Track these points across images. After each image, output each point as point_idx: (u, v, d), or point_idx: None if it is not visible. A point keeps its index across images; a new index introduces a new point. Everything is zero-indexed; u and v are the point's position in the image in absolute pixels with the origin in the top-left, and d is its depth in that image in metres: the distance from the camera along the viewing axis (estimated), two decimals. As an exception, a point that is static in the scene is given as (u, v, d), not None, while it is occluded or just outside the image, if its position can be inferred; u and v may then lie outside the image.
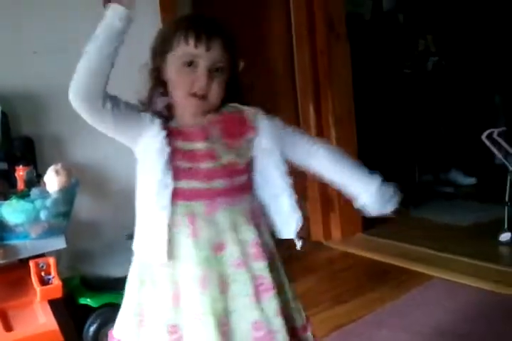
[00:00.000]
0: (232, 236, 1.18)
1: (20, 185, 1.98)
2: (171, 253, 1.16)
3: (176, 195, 1.15)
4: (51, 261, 1.79)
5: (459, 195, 3.92)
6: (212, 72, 1.15)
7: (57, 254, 1.89)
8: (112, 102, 1.09)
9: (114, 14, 1.06)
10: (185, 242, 1.16)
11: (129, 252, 2.30)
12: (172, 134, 1.16)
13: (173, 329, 1.19)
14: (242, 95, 1.25)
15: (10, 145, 2.12)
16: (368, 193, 1.27)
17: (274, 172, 1.25)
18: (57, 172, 1.92)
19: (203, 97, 1.15)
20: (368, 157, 3.47)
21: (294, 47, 3.15)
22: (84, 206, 2.21)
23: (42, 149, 2.24)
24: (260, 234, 1.22)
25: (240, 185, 1.21)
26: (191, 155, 1.17)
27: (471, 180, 4.10)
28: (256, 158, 1.23)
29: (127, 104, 1.14)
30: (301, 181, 3.24)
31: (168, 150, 1.14)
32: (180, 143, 1.17)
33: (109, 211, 2.34)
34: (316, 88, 3.11)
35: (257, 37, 3.30)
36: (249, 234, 1.20)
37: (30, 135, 2.23)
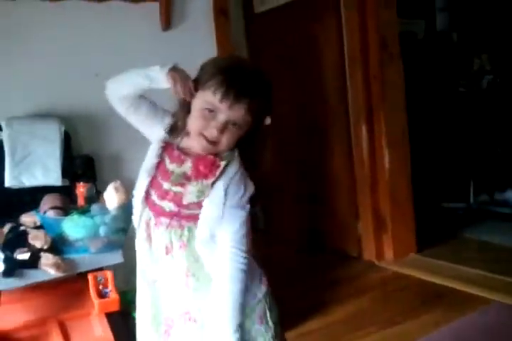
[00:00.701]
0: (165, 257, 1.28)
1: (81, 201, 2.05)
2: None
3: (147, 200, 1.29)
4: (109, 274, 1.84)
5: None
6: (228, 124, 1.19)
7: (114, 268, 1.94)
8: (134, 107, 1.30)
9: (161, 77, 1.23)
10: (143, 244, 1.33)
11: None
12: (166, 147, 1.29)
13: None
14: (255, 144, 1.29)
15: (71, 163, 2.22)
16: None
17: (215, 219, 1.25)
18: (116, 189, 1.98)
19: (213, 143, 1.21)
20: (423, 177, 3.45)
21: (346, 69, 3.15)
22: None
23: (101, 167, 2.34)
24: (196, 265, 1.27)
25: (188, 214, 1.25)
26: (165, 172, 1.27)
27: (528, 201, 3.96)
28: (208, 201, 1.24)
29: (153, 113, 1.32)
30: (353, 200, 3.23)
31: (154, 161, 1.28)
32: (166, 158, 1.28)
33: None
34: (368, 109, 3.09)
35: (310, 61, 3.33)
36: (183, 261, 1.27)
37: (91, 154, 2.33)
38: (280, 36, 3.44)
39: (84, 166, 2.25)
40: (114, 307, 1.76)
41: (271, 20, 3.49)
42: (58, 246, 1.86)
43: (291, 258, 3.33)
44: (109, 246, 1.90)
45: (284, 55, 3.44)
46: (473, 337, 2.24)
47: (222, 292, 1.23)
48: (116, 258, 1.88)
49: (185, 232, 1.25)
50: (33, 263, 1.77)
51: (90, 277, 1.82)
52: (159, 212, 1.27)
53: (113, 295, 1.78)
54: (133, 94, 1.29)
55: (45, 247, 1.81)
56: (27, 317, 1.80)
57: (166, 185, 1.26)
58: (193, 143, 1.24)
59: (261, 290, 1.35)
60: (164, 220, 1.26)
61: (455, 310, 2.49)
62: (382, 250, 3.18)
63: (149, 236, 1.30)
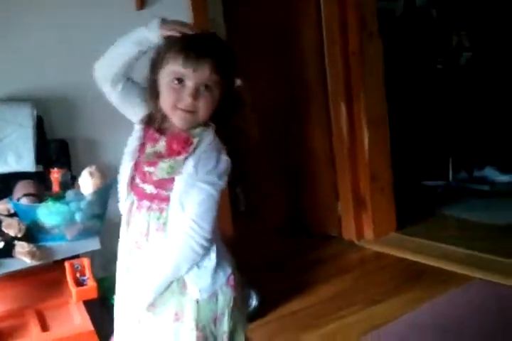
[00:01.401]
0: (144, 241, 1.26)
1: (56, 188, 2.01)
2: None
3: (131, 184, 1.28)
4: (86, 262, 1.81)
5: (495, 193, 3.83)
6: (200, 90, 1.18)
7: (91, 255, 1.91)
8: (123, 86, 1.28)
9: (155, 31, 1.21)
10: (123, 229, 1.32)
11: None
12: (146, 130, 1.29)
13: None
14: (233, 111, 1.27)
15: (45, 148, 2.16)
16: None
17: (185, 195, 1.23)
18: (91, 174, 1.94)
19: (191, 112, 1.20)
20: (402, 155, 3.45)
21: (325, 47, 3.11)
22: (117, 207, 2.23)
23: (76, 152, 2.29)
24: None
25: (166, 195, 1.23)
26: (144, 153, 1.28)
27: (506, 178, 4.00)
28: (179, 178, 1.23)
29: (139, 94, 1.28)
30: (332, 180, 3.22)
31: (137, 143, 1.28)
32: (147, 140, 1.28)
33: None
34: (347, 88, 3.06)
35: (289, 39, 3.28)
36: (160, 245, 1.25)
37: (65, 138, 2.27)
38: (258, 15, 3.37)
39: (59, 151, 2.19)
40: (92, 294, 1.74)
41: (249, -1, 3.42)
42: (33, 233, 1.83)
43: (272, 239, 3.33)
44: (86, 233, 1.88)
45: (262, 34, 3.38)
46: (456, 313, 2.27)
47: (162, 263, 1.23)
48: (93, 244, 1.85)
49: (164, 214, 1.24)
50: (8, 252, 1.74)
51: (67, 265, 1.79)
52: (141, 195, 1.27)
53: (91, 282, 1.76)
54: (124, 72, 1.27)
55: (20, 235, 1.78)
56: (3, 308, 1.77)
57: (145, 167, 1.26)
58: (173, 119, 1.23)
59: (223, 291, 1.29)
60: (145, 203, 1.25)
61: (436, 288, 2.52)
62: (362, 229, 3.19)
63: (128, 221, 1.30)
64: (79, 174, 2.00)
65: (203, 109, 1.20)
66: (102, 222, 1.96)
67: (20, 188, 1.91)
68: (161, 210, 1.24)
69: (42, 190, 1.95)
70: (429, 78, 3.81)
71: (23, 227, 1.80)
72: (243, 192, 3.74)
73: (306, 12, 3.13)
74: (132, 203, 1.28)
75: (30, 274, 1.84)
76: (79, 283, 1.76)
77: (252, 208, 3.72)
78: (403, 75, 3.64)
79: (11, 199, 1.89)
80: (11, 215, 1.88)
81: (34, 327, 1.66)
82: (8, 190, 1.94)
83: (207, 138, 1.24)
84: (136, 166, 1.27)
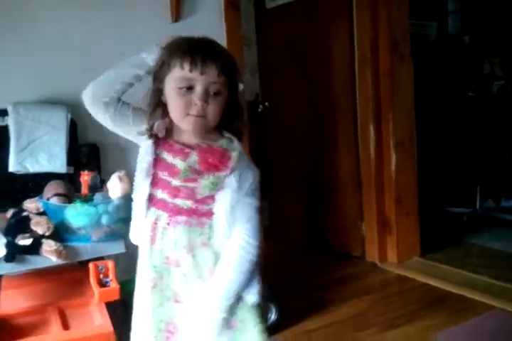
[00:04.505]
0: (187, 257, 1.23)
1: (84, 190, 2.03)
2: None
3: (151, 200, 1.25)
4: (110, 264, 1.82)
5: (523, 224, 3.77)
6: (208, 94, 1.17)
7: (115, 258, 1.92)
8: (115, 108, 1.25)
9: (154, 54, 1.24)
10: (144, 247, 1.28)
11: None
12: (158, 143, 1.24)
13: (170, 326, 1.28)
14: (240, 116, 1.27)
15: (77, 151, 2.20)
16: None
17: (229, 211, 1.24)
18: (120, 179, 1.96)
19: (202, 117, 1.18)
20: (429, 180, 3.43)
21: (356, 68, 3.13)
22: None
23: (106, 156, 2.32)
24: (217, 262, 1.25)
25: (205, 210, 1.23)
26: (170, 168, 1.23)
27: (535, 208, 3.94)
28: (223, 193, 1.23)
29: (138, 113, 1.25)
30: (358, 200, 3.20)
31: (150, 158, 1.23)
32: (165, 154, 1.23)
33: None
34: (377, 110, 3.07)
35: (320, 59, 3.32)
36: (207, 260, 1.24)
37: (96, 142, 2.31)
38: (290, 33, 3.42)
39: (90, 155, 2.23)
40: (115, 296, 1.73)
41: (281, 17, 3.47)
42: (60, 233, 1.85)
43: (294, 256, 3.32)
44: (111, 236, 1.89)
45: (293, 52, 3.42)
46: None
47: (224, 279, 1.22)
48: (118, 247, 1.86)
49: (206, 230, 1.23)
50: (35, 249, 1.75)
51: (91, 266, 1.80)
52: (175, 211, 1.23)
53: (113, 284, 1.76)
54: (118, 95, 1.25)
55: (47, 234, 1.80)
56: (27, 303, 1.79)
57: (175, 182, 1.23)
58: (183, 126, 1.21)
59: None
60: (182, 218, 1.23)
61: (456, 316, 2.46)
62: (386, 252, 3.16)
63: (153, 238, 1.26)
64: (107, 178, 2.03)
65: (213, 112, 1.18)
66: (128, 226, 1.97)
67: (51, 188, 1.93)
68: (201, 225, 1.23)
69: (72, 191, 1.97)
70: (459, 104, 3.80)
71: (51, 226, 1.82)
72: (268, 207, 3.73)
73: (338, 32, 3.18)
74: (156, 219, 1.25)
75: (55, 273, 1.85)
76: (102, 284, 1.76)
77: (275, 223, 3.71)
78: (433, 100, 3.64)
79: (41, 198, 1.92)
80: (40, 214, 1.90)
81: (55, 324, 1.67)
82: (38, 189, 1.97)
83: (238, 151, 1.24)
84: (157, 182, 1.24)
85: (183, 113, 1.18)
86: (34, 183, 2.05)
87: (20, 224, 1.84)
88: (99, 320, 1.71)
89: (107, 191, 1.98)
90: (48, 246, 1.76)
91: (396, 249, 3.11)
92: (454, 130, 3.75)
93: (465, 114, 3.79)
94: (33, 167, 2.08)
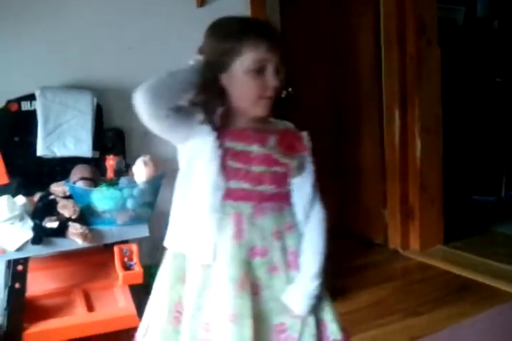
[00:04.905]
0: (276, 242, 1.21)
1: (110, 174, 2.06)
2: (215, 255, 1.18)
3: (225, 194, 1.18)
4: (134, 248, 1.85)
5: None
6: (278, 72, 1.17)
7: (140, 242, 1.95)
8: (173, 111, 1.11)
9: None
10: (227, 244, 1.18)
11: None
12: (222, 135, 1.18)
13: (208, 327, 1.20)
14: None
15: (102, 135, 2.22)
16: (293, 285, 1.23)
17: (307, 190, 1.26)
18: (145, 163, 1.98)
19: (271, 98, 1.17)
20: (454, 167, 3.39)
21: (382, 53, 3.08)
22: (167, 198, 2.26)
23: (131, 141, 2.33)
24: (298, 244, 1.24)
25: (285, 193, 1.23)
26: (243, 156, 1.18)
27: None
28: (303, 174, 1.25)
29: (186, 111, 1.15)
30: (382, 187, 3.18)
31: (220, 151, 1.16)
32: (230, 144, 1.18)
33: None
34: (403, 94, 3.03)
35: (345, 43, 3.27)
36: (292, 242, 1.23)
37: (122, 127, 2.32)
38: (315, 17, 3.37)
39: (115, 139, 2.25)
40: (138, 279, 1.76)
41: (306, 2, 3.42)
42: (86, 216, 1.88)
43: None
44: (136, 220, 1.91)
45: (318, 36, 3.38)
46: (497, 331, 2.20)
47: (314, 246, 1.24)
48: (142, 231, 1.89)
49: (286, 212, 1.23)
50: (61, 232, 1.79)
51: (116, 249, 1.83)
52: (260, 198, 1.20)
53: (137, 268, 1.79)
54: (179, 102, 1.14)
55: (74, 217, 1.83)
56: (53, 285, 1.83)
57: (255, 169, 1.18)
58: (254, 111, 1.18)
59: None
60: (267, 205, 1.20)
61: (479, 304, 2.45)
62: (408, 239, 3.14)
63: (239, 232, 1.18)
64: (133, 163, 2.05)
65: (278, 92, 1.17)
66: (152, 210, 1.99)
67: (77, 172, 1.96)
68: (281, 209, 1.22)
69: (97, 175, 2.00)
70: (487, 90, 3.72)
71: (78, 209, 1.85)
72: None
73: (364, 16, 3.12)
74: (241, 213, 1.18)
75: (81, 255, 1.89)
76: (126, 267, 1.80)
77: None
78: (461, 85, 3.57)
79: (67, 182, 1.95)
80: (66, 197, 1.93)
81: (80, 305, 1.71)
82: (65, 173, 2.00)
83: (304, 131, 1.26)
84: (231, 174, 1.17)
85: (257, 96, 1.16)
86: (61, 167, 2.07)
87: (47, 207, 1.88)
88: (123, 303, 1.74)
89: (132, 175, 2.00)
90: (74, 228, 1.79)
91: (419, 237, 3.09)
92: (480, 116, 3.68)
93: (492, 99, 3.71)
94: (60, 151, 2.10)
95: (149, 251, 2.04)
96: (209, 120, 1.17)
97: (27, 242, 1.73)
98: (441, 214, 3.14)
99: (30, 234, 1.75)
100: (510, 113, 3.72)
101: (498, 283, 2.64)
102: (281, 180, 1.21)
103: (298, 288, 1.21)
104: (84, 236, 1.77)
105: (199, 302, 1.20)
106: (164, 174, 2.04)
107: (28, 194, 1.99)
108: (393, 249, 3.16)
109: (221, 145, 1.16)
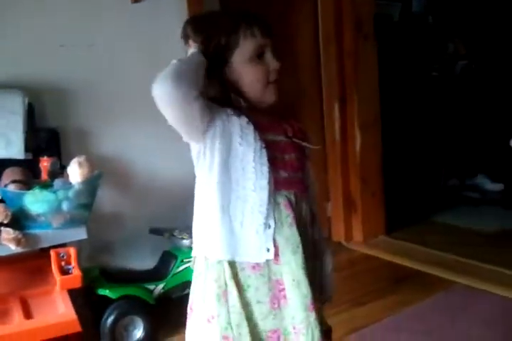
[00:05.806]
0: (309, 228, 1.20)
1: (44, 176, 2.00)
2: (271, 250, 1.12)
3: (274, 184, 1.13)
4: (72, 251, 1.80)
5: (485, 201, 3.85)
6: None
7: (78, 245, 1.90)
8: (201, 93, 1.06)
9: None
10: (286, 233, 1.13)
11: (150, 245, 2.29)
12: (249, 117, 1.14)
13: (274, 334, 1.15)
14: None
15: (35, 136, 2.14)
16: None
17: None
18: (80, 164, 1.93)
19: (277, 81, 1.19)
20: (394, 161, 3.46)
21: (320, 48, 3.13)
22: (106, 198, 2.22)
23: (66, 141, 2.27)
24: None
25: (300, 178, 1.22)
26: (275, 145, 1.16)
27: (497, 186, 4.02)
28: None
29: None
30: (324, 180, 3.22)
31: (258, 138, 1.11)
32: (262, 135, 1.13)
33: (130, 204, 2.36)
34: (342, 89, 3.08)
35: (284, 38, 3.28)
36: (317, 228, 1.25)
37: (56, 127, 2.25)
38: (254, 9, 3.36)
39: (49, 140, 2.17)
40: (77, 283, 1.72)
41: (245, -4, 3.41)
42: (19, 220, 1.82)
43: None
44: (72, 222, 1.86)
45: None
46: (437, 318, 2.26)
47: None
48: (79, 234, 1.84)
49: (305, 195, 1.21)
50: (-7, 237, 1.72)
51: (52, 253, 1.78)
52: (298, 185, 1.19)
53: (76, 271, 1.75)
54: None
55: (6, 221, 1.77)
56: (-14, 294, 1.75)
57: (289, 156, 1.18)
58: (264, 97, 1.18)
59: None
60: (303, 190, 1.20)
61: (421, 292, 2.51)
62: (351, 231, 3.20)
63: (293, 219, 1.14)
64: (68, 163, 1.99)
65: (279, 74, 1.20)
66: (89, 212, 1.95)
67: (8, 175, 1.89)
68: (307, 191, 1.22)
69: (30, 177, 1.94)
70: (423, 85, 3.82)
71: (9, 214, 1.78)
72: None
73: (303, 11, 3.14)
74: (288, 201, 1.14)
75: (16, 261, 1.82)
76: (64, 271, 1.75)
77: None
78: (398, 80, 3.65)
79: (-2, 186, 1.88)
80: (-3, 201, 1.86)
81: (17, 313, 1.65)
82: (-4, 177, 1.93)
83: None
84: (276, 166, 1.15)
85: (264, 82, 1.16)
86: (-9, 170, 1.99)
87: (-23, 213, 1.80)
88: (63, 308, 1.70)
89: (67, 177, 1.94)
90: (7, 233, 1.73)
91: (361, 228, 3.15)
92: (418, 110, 3.77)
93: (429, 93, 3.81)
94: (-11, 153, 2.02)
95: (90, 254, 2.00)
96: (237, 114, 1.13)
97: (-43, 249, 1.67)
98: (383, 205, 3.22)
99: (-41, 241, 1.68)
100: (446, 106, 3.83)
101: (437, 271, 2.72)
102: (305, 165, 1.23)
103: None
104: (17, 241, 1.71)
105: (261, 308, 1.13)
106: (101, 174, 2.00)
107: (-44, 199, 1.90)
108: (337, 241, 3.20)
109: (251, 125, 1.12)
